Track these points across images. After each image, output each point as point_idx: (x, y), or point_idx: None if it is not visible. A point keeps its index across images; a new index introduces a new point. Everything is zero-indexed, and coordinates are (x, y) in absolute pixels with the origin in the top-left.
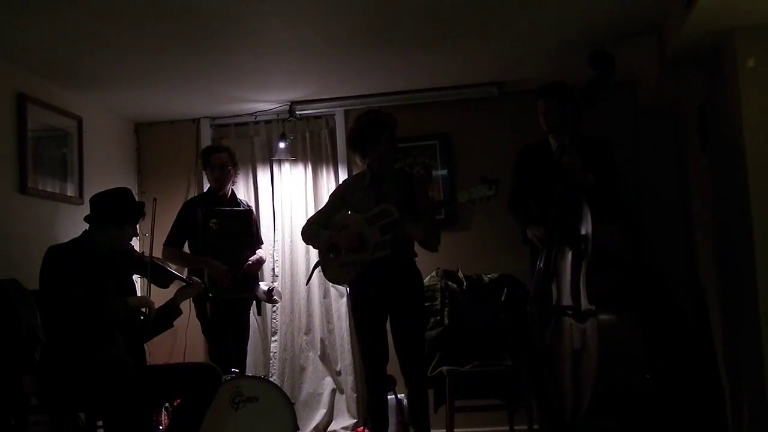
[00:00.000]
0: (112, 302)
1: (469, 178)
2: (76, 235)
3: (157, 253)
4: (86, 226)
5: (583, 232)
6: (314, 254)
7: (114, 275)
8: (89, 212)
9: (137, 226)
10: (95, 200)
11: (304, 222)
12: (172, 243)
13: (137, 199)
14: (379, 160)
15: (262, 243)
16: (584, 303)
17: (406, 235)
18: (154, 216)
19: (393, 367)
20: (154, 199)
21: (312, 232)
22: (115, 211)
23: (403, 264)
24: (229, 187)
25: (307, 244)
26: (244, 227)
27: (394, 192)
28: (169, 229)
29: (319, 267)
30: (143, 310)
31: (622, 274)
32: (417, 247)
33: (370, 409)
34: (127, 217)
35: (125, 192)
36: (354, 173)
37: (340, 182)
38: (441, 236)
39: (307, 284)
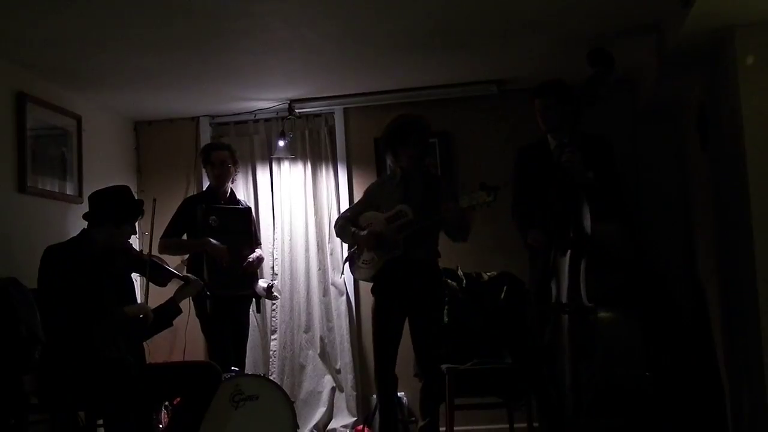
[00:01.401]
0: (111, 312)
1: (469, 176)
2: (76, 234)
3: (156, 248)
4: (85, 224)
5: (582, 230)
6: (313, 252)
7: (112, 274)
8: (87, 210)
9: (136, 224)
10: (93, 198)
11: (303, 220)
12: (170, 235)
13: (136, 198)
14: (408, 162)
15: (260, 243)
16: (583, 301)
17: (444, 216)
18: (154, 215)
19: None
20: (154, 200)
21: (341, 227)
22: (113, 209)
23: (423, 264)
24: (229, 185)
25: (338, 237)
26: (244, 225)
27: (420, 193)
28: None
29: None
30: (140, 316)
31: (621, 272)
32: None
33: (381, 408)
34: (126, 216)
35: (124, 190)
36: (369, 172)
37: (356, 180)
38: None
39: (341, 277)
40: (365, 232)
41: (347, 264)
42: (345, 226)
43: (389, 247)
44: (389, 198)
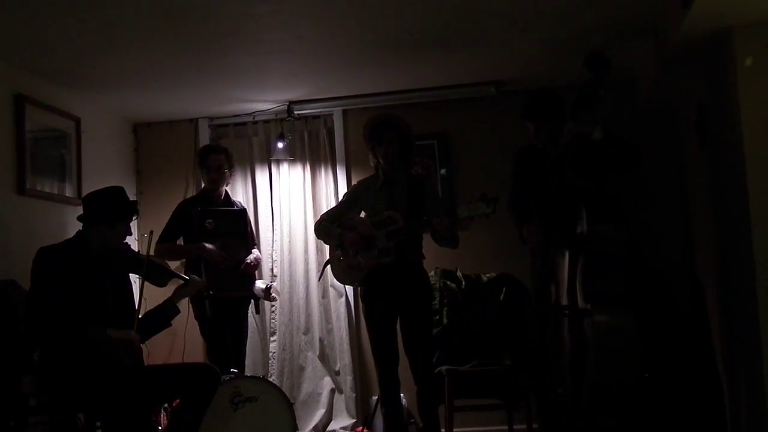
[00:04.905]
0: (94, 330)
1: (467, 177)
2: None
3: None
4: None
5: (578, 231)
6: (312, 254)
7: (109, 275)
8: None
9: (131, 225)
10: (87, 200)
11: (302, 222)
12: (166, 240)
13: (134, 199)
14: (385, 162)
15: (256, 244)
16: (580, 302)
17: (436, 228)
18: (149, 247)
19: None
20: (151, 231)
21: (324, 228)
22: (107, 210)
23: (411, 267)
24: (223, 188)
25: (318, 239)
26: (239, 227)
27: (404, 197)
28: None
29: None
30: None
31: (618, 273)
32: (424, 249)
33: (386, 412)
34: (119, 216)
35: (117, 190)
36: (369, 174)
37: (356, 181)
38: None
39: (319, 280)
40: (353, 233)
41: (328, 267)
42: (328, 227)
43: (378, 253)
44: (374, 202)
